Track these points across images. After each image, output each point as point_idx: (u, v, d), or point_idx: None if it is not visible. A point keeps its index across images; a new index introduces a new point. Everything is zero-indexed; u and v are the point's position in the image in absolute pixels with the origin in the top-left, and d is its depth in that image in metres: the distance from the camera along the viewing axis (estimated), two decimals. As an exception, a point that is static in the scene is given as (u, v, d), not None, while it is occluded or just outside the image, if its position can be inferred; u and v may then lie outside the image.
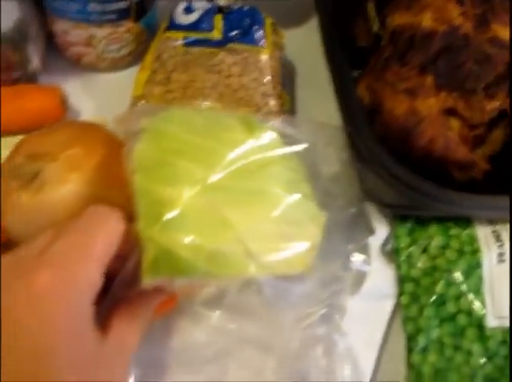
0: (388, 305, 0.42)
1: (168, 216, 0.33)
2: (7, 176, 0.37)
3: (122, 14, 0.49)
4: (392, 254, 0.43)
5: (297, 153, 0.40)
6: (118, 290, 0.34)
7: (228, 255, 0.33)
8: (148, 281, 0.32)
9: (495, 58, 0.46)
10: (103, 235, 0.31)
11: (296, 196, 0.36)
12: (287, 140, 0.39)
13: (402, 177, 0.41)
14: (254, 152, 0.36)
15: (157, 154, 0.35)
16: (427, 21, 0.47)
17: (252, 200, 0.35)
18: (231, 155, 0.35)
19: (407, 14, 0.48)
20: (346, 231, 0.41)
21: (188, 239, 0.32)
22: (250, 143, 0.36)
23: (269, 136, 0.37)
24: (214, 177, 0.34)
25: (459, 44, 0.46)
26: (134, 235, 0.33)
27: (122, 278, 0.34)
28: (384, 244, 0.44)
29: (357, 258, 0.41)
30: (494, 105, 0.46)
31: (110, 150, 0.38)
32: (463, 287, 0.41)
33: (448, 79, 0.45)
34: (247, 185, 0.35)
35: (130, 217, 0.33)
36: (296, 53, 0.55)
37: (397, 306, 0.43)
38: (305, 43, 0.54)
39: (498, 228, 0.43)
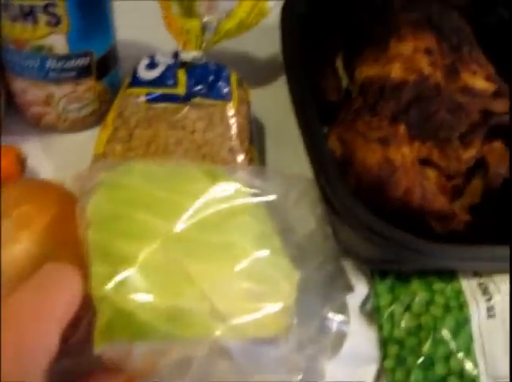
0: (370, 371, 0.38)
1: (124, 273, 0.30)
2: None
3: (83, 72, 0.47)
4: (372, 313, 0.40)
5: (267, 206, 0.38)
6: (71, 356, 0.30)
7: (192, 314, 0.30)
8: (101, 346, 0.29)
9: (468, 107, 0.45)
10: (64, 294, 0.28)
11: (266, 252, 0.33)
12: (255, 191, 0.36)
13: (378, 230, 0.38)
14: (218, 202, 0.34)
15: (113, 207, 0.32)
16: (396, 71, 0.46)
17: (217, 254, 0.32)
18: (194, 206, 0.33)
19: (375, 66, 0.47)
20: (322, 290, 0.37)
21: (145, 298, 0.29)
22: (214, 193, 0.34)
23: (234, 186, 0.35)
24: (175, 230, 0.31)
25: (430, 93, 0.45)
26: (87, 296, 0.29)
27: (74, 344, 0.30)
28: (363, 303, 0.40)
29: (335, 318, 0.37)
30: (470, 154, 0.45)
31: (64, 207, 0.35)
32: (452, 346, 0.38)
33: (420, 129, 0.44)
34: (211, 238, 0.32)
35: (84, 277, 0.30)
36: (266, 111, 0.53)
37: (381, 371, 0.39)
38: (275, 100, 0.52)
39: (484, 280, 0.40)
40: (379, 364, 0.39)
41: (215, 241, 0.32)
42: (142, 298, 0.29)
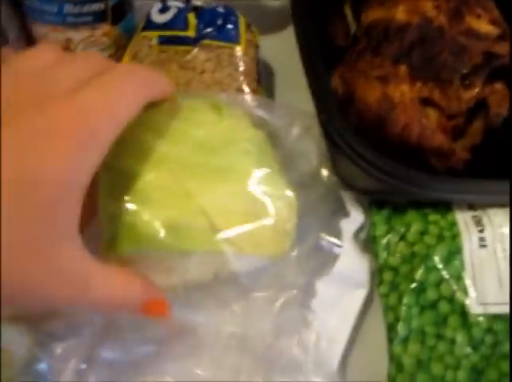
0: (360, 295, 0.40)
1: (130, 190, 0.32)
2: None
3: (98, 17, 0.49)
4: (366, 243, 0.42)
5: (270, 135, 0.40)
6: None
7: (191, 227, 0.32)
8: (108, 256, 0.32)
9: (471, 49, 0.46)
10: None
11: (265, 171, 0.35)
12: (259, 120, 0.38)
13: (376, 162, 0.40)
14: (221, 130, 0.36)
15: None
16: (400, 14, 0.47)
17: (217, 174, 0.34)
18: (198, 133, 0.35)
19: (381, 9, 0.48)
20: (319, 214, 0.39)
21: (148, 212, 0.32)
22: (218, 122, 0.36)
23: (238, 115, 0.37)
24: (179, 154, 0.34)
25: (434, 35, 0.46)
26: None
27: None
28: (358, 232, 0.42)
29: (330, 240, 0.39)
30: (471, 94, 0.45)
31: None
32: (444, 273, 0.39)
33: (422, 70, 0.45)
34: (213, 161, 0.34)
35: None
36: (275, 55, 0.55)
37: (370, 297, 0.41)
38: (284, 45, 0.53)
39: (478, 212, 0.41)
40: (368, 290, 0.41)
41: (215, 164, 0.34)
42: (146, 212, 0.32)
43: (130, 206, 0.32)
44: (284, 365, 0.36)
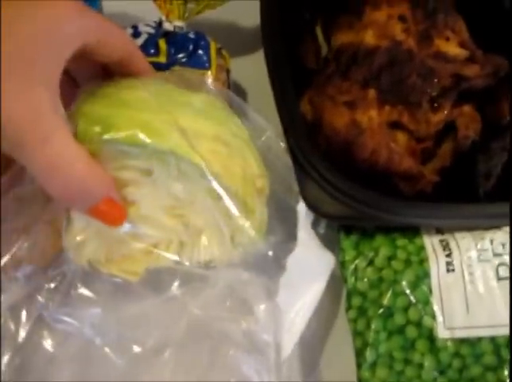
0: (317, 288, 0.41)
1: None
2: None
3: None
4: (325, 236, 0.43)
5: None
6: None
7: (166, 132, 0.35)
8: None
9: (439, 71, 0.47)
10: None
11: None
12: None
13: (344, 188, 0.40)
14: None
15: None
16: (369, 37, 0.48)
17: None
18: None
19: (350, 33, 0.49)
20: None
21: (126, 113, 0.35)
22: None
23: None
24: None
25: (403, 58, 0.47)
26: None
27: None
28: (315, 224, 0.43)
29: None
30: (440, 117, 0.46)
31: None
32: (412, 298, 0.40)
33: (391, 93, 0.46)
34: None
35: None
36: (246, 78, 0.55)
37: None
38: (256, 68, 0.53)
39: (445, 236, 0.42)
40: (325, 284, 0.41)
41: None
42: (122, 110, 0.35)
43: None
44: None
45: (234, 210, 0.37)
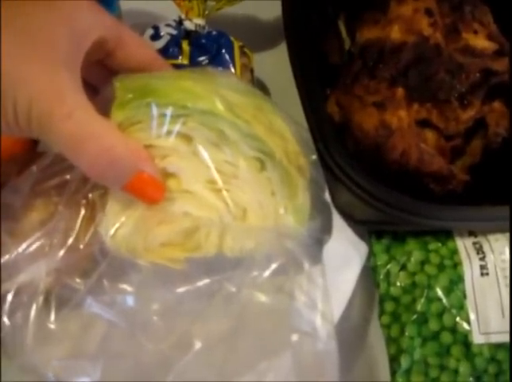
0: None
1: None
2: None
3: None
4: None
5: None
6: None
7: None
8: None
9: (468, 67, 0.45)
10: None
11: None
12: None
13: (375, 193, 0.39)
14: None
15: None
16: (395, 33, 0.46)
17: None
18: None
19: (375, 28, 0.48)
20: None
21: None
22: None
23: None
24: None
25: (430, 54, 0.46)
26: None
27: None
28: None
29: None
30: (469, 114, 0.45)
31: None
32: (446, 303, 0.39)
33: (419, 91, 0.45)
34: None
35: None
36: (270, 74, 0.54)
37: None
38: (279, 64, 0.52)
39: (479, 239, 0.41)
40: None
41: None
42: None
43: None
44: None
45: (278, 184, 0.36)
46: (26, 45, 0.31)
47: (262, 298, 0.38)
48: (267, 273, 0.37)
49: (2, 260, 0.37)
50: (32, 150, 0.46)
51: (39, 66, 0.31)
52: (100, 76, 0.38)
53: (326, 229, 0.42)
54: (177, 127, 0.34)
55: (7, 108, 0.30)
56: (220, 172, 0.35)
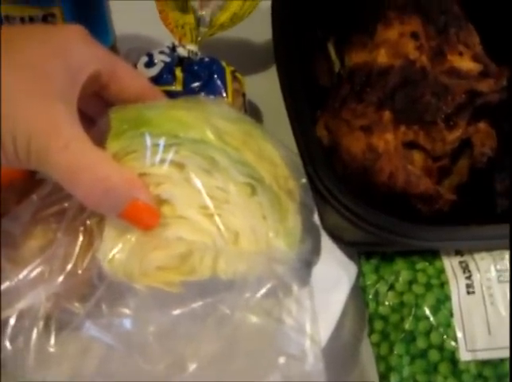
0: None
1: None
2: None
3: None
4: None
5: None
6: None
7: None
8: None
9: (453, 88, 0.47)
10: None
11: None
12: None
13: (363, 215, 0.40)
14: None
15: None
16: (382, 57, 0.48)
17: None
18: None
19: (363, 52, 0.49)
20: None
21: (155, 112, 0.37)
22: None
23: None
24: None
25: (416, 77, 0.47)
26: None
27: None
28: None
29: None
30: (455, 135, 0.46)
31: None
32: (433, 322, 0.40)
33: (406, 113, 0.46)
34: None
35: None
36: (262, 97, 0.56)
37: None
38: (270, 86, 0.54)
39: (465, 258, 0.42)
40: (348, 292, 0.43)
41: None
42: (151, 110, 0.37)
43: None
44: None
45: (268, 209, 0.38)
46: (24, 81, 0.32)
47: (253, 320, 0.39)
48: (258, 296, 0.38)
49: (3, 287, 0.39)
50: (30, 177, 0.47)
51: (36, 101, 0.32)
52: (96, 107, 0.40)
53: (316, 251, 0.43)
54: (170, 156, 0.36)
55: (7, 143, 0.32)
56: (212, 197, 0.37)
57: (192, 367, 0.38)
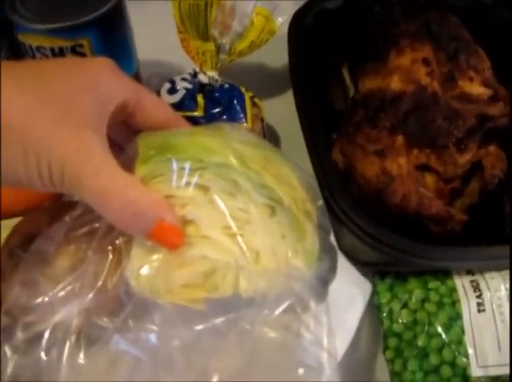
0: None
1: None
2: (4, 256, 0.41)
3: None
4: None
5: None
6: None
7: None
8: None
9: (464, 113, 0.48)
10: None
11: None
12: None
13: (377, 236, 0.42)
14: None
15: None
16: (395, 83, 0.50)
17: None
18: None
19: (376, 79, 0.51)
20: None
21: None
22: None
23: None
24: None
25: (428, 102, 0.49)
26: None
27: None
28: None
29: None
30: (466, 158, 0.48)
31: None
32: (445, 339, 0.42)
33: (418, 138, 0.48)
34: None
35: None
36: (280, 121, 0.58)
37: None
38: (287, 111, 0.56)
39: (476, 277, 0.44)
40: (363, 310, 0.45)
41: None
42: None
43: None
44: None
45: (287, 229, 0.40)
46: (58, 112, 0.35)
47: (273, 334, 0.41)
48: (277, 312, 0.40)
49: (39, 301, 0.41)
50: (59, 199, 0.50)
51: (69, 130, 0.35)
52: (124, 135, 0.42)
53: (332, 270, 0.45)
54: (195, 179, 0.38)
55: (43, 170, 0.34)
56: (234, 218, 0.39)
57: (215, 379, 0.40)
